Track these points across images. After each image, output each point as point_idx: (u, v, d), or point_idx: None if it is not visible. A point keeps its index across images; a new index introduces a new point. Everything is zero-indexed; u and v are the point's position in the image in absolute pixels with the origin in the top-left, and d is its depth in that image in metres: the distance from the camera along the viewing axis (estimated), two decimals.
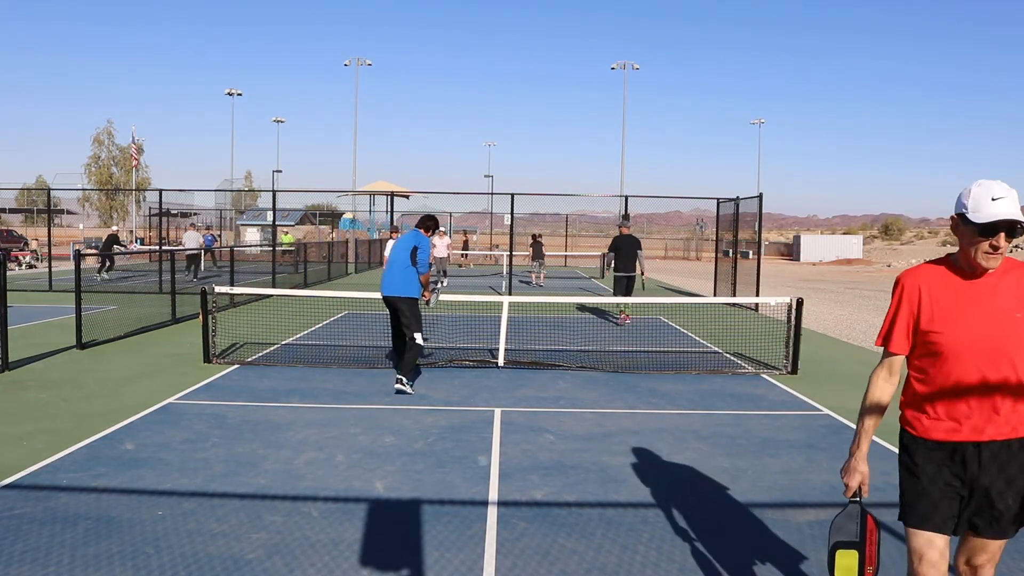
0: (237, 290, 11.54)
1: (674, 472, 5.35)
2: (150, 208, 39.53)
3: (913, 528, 2.52)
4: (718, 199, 18.78)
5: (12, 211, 54.19)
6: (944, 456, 2.50)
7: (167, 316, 12.52)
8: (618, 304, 14.08)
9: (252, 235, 43.15)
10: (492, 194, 34.13)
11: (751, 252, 18.90)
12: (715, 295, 18.23)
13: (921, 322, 2.52)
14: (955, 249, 2.56)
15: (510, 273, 19.24)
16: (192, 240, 22.88)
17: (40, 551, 3.81)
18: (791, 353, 9.05)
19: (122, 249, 22.94)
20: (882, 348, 2.64)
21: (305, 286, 20.19)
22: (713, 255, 21.62)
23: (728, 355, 10.35)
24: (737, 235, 17.53)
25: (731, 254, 17.86)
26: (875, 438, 3.03)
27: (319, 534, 4.13)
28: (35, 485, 4.80)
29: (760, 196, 16.22)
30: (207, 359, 9.04)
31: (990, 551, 2.58)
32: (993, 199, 2.36)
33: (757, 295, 15.66)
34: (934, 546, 2.47)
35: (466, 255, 34.79)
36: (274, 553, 3.87)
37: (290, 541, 4.03)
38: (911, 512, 2.54)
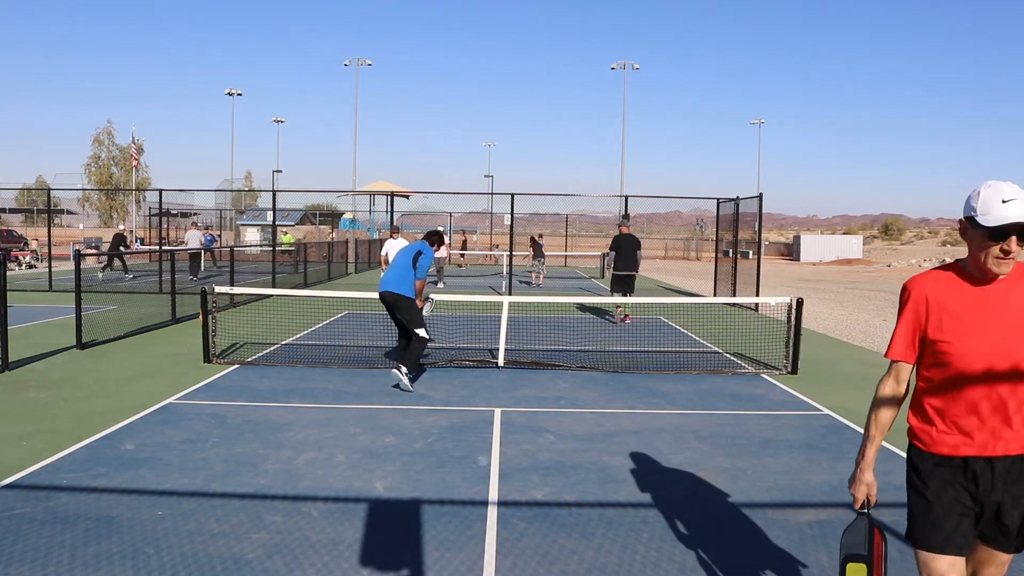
0: (237, 290, 11.54)
1: (674, 472, 5.35)
2: (150, 208, 39.52)
3: (923, 551, 2.41)
4: (718, 199, 18.79)
5: (12, 211, 54.18)
6: (953, 472, 2.40)
7: (167, 316, 12.52)
8: (614, 303, 14.12)
9: (252, 235, 43.16)
10: (492, 194, 34.17)
11: (751, 252, 18.90)
12: (715, 295, 18.22)
13: (929, 331, 2.40)
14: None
15: (510, 273, 19.24)
16: (195, 239, 22.96)
17: (40, 551, 3.81)
18: (791, 353, 9.05)
19: (124, 249, 22.97)
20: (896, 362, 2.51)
21: (305, 286, 20.19)
22: (713, 255, 21.63)
23: (728, 355, 10.35)
24: (737, 235, 17.53)
25: (731, 254, 17.86)
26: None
27: (319, 534, 4.13)
28: (35, 485, 4.80)
29: (760, 196, 16.22)
30: (207, 359, 9.04)
31: (998, 563, 2.50)
32: (1004, 201, 2.24)
33: (757, 295, 15.66)
34: (946, 571, 2.36)
35: (464, 255, 34.81)
36: (274, 553, 3.87)
37: (290, 541, 4.03)
38: (921, 535, 2.42)
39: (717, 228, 20.01)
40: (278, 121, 65.65)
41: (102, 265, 22.37)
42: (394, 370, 7.67)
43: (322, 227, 51.11)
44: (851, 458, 5.69)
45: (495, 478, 5.11)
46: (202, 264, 24.40)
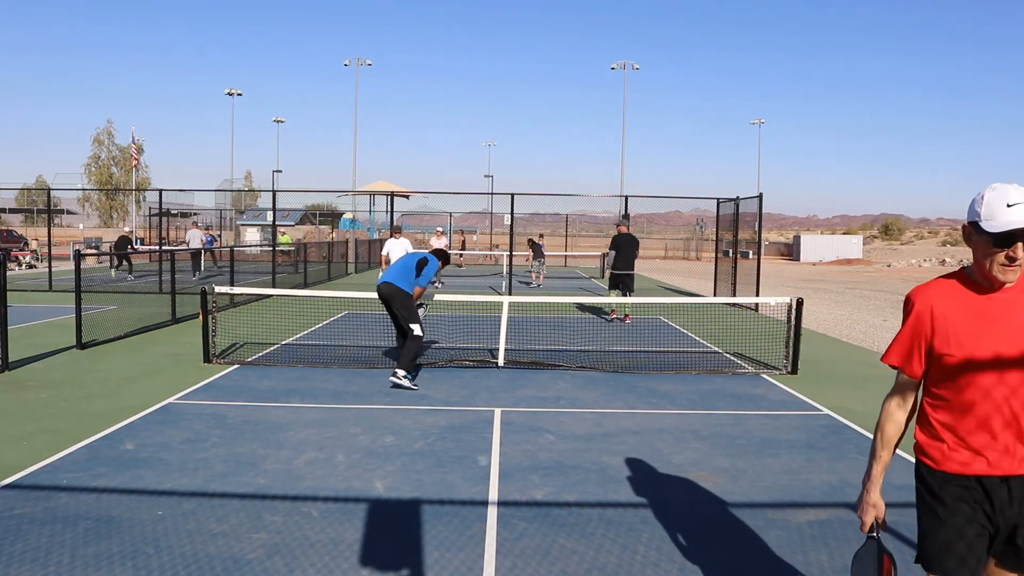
0: (237, 290, 11.54)
1: (674, 472, 5.35)
2: (150, 208, 39.50)
3: (935, 575, 2.31)
4: (718, 199, 18.79)
5: (12, 211, 54.20)
6: (964, 491, 2.27)
7: (167, 316, 12.53)
8: (611, 303, 14.16)
9: (252, 235, 43.17)
10: (492, 194, 34.20)
11: (751, 252, 18.90)
12: (715, 295, 18.22)
13: (936, 345, 2.28)
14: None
15: (510, 273, 19.24)
16: (196, 239, 23.03)
17: (40, 551, 3.81)
18: (791, 353, 9.05)
19: (128, 250, 23.06)
20: (893, 368, 2.44)
21: (305, 286, 20.20)
22: (713, 255, 21.63)
23: (728, 355, 10.35)
24: (737, 235, 17.54)
25: (731, 254, 17.86)
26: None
27: (319, 534, 4.13)
28: (35, 485, 4.80)
29: (760, 196, 16.22)
30: (207, 359, 9.05)
31: None
32: (1009, 205, 2.11)
33: (757, 295, 15.66)
34: None
35: (462, 255, 34.81)
36: (274, 553, 3.87)
37: (290, 541, 4.03)
38: (933, 558, 2.30)
39: (717, 228, 20.01)
40: (278, 121, 65.70)
41: (116, 265, 22.93)
42: (391, 377, 7.73)
43: (322, 227, 51.13)
44: (851, 458, 5.70)
45: (495, 478, 5.11)
46: (202, 264, 24.43)
